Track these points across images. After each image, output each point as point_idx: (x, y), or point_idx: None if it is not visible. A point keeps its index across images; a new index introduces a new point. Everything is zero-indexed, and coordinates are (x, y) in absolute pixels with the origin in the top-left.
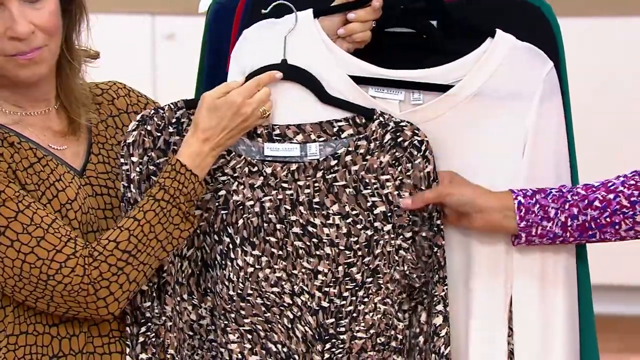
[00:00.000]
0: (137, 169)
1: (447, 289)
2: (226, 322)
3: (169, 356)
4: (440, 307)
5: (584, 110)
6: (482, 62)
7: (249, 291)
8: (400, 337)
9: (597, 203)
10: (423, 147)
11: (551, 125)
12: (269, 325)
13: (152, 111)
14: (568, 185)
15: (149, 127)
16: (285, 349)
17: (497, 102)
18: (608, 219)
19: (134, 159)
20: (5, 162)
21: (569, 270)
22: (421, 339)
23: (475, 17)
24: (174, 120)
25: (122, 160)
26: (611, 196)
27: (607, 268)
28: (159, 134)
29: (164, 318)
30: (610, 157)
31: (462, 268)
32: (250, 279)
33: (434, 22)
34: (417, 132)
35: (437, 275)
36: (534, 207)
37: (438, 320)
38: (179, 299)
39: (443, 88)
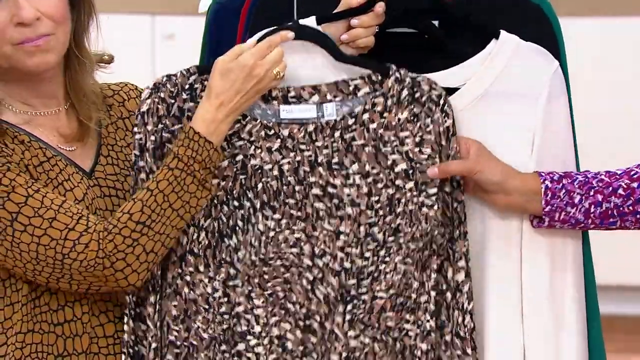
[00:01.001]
0: (152, 138)
1: (468, 244)
2: (250, 287)
3: (165, 323)
4: (462, 263)
5: (585, 109)
6: (487, 63)
7: (271, 255)
8: (423, 297)
9: (621, 191)
10: (441, 102)
11: (559, 124)
12: (288, 286)
13: (165, 78)
14: (592, 171)
15: (162, 95)
16: (304, 310)
17: (504, 103)
18: (631, 207)
19: (149, 127)
20: (17, 156)
21: (577, 251)
22: (448, 295)
23: (475, 16)
24: (187, 87)
25: (135, 129)
26: (635, 184)
27: (608, 268)
28: (172, 101)
29: (165, 285)
30: (612, 156)
31: (477, 238)
32: (271, 243)
33: (436, 23)
34: (434, 86)
35: (457, 231)
36: (560, 192)
37: (460, 277)
38: (191, 269)
39: (450, 91)
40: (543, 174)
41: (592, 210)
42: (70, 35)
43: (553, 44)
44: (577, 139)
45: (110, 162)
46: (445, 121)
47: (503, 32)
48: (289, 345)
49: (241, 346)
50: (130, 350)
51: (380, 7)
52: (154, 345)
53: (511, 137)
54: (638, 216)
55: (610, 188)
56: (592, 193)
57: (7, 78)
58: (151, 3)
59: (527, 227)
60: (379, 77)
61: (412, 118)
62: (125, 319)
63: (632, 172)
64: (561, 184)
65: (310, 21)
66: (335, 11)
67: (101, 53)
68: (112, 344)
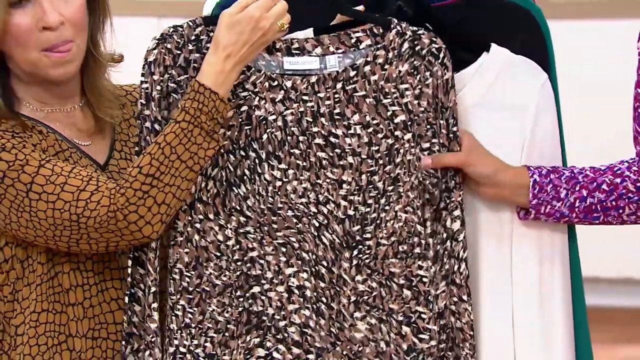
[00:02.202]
0: (158, 87)
1: (462, 194)
2: (262, 235)
3: (176, 270)
4: (457, 212)
5: (574, 112)
6: (478, 75)
7: (279, 204)
8: (423, 243)
9: (604, 186)
10: (441, 55)
11: (546, 135)
12: (301, 236)
13: (172, 29)
14: (577, 167)
15: (168, 45)
16: (314, 257)
17: (495, 113)
18: (614, 203)
19: (155, 77)
20: (34, 140)
21: (564, 244)
22: (448, 243)
23: (465, 20)
24: (193, 38)
25: (142, 78)
26: (618, 180)
27: (596, 261)
28: (178, 52)
29: (174, 234)
30: (600, 159)
31: (469, 228)
32: (279, 192)
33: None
34: (434, 39)
35: (453, 181)
36: (548, 186)
37: (456, 225)
38: (201, 216)
39: None
40: (532, 168)
41: (576, 204)
42: (88, 38)
43: (542, 47)
44: (564, 140)
45: (123, 156)
46: (445, 74)
47: (494, 45)
48: (308, 293)
49: (256, 289)
50: (128, 292)
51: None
52: (153, 289)
53: (501, 147)
54: (620, 211)
55: (595, 183)
56: (577, 188)
57: (28, 80)
58: (157, 6)
59: (517, 219)
60: (381, 30)
61: (412, 71)
62: (128, 262)
63: (616, 169)
64: (549, 179)
65: (308, 32)
66: (332, 23)
67: (112, 53)
68: (120, 331)
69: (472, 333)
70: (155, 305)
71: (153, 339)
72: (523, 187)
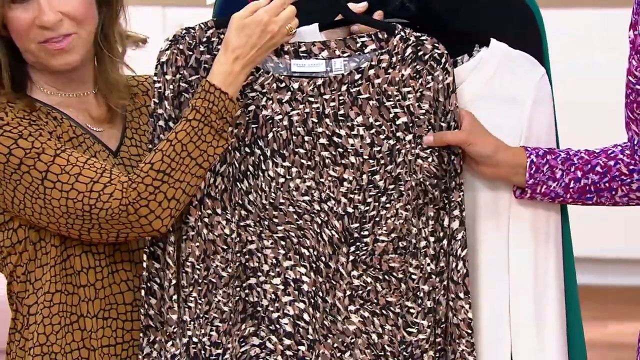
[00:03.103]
0: (170, 87)
1: (462, 194)
2: (261, 228)
3: (188, 263)
4: (457, 212)
5: (567, 101)
6: (477, 70)
7: (281, 200)
8: (422, 241)
9: (598, 168)
10: (443, 60)
11: (542, 128)
12: (302, 232)
13: (184, 31)
14: (573, 149)
15: (181, 46)
16: (315, 252)
17: (493, 107)
18: (607, 184)
19: (168, 77)
20: (50, 127)
21: (558, 224)
22: (445, 242)
23: (459, 11)
24: (204, 40)
25: (155, 78)
26: (612, 163)
27: (587, 242)
28: (190, 53)
29: (185, 228)
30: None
31: (468, 208)
32: (281, 189)
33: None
34: (437, 45)
35: (453, 182)
36: (544, 167)
37: (455, 225)
38: (209, 211)
39: None
40: (529, 149)
41: (571, 185)
42: (97, 29)
43: (536, 37)
44: (558, 130)
45: (134, 144)
46: (446, 78)
47: (493, 40)
48: (305, 287)
49: (252, 280)
50: (144, 286)
51: (378, 15)
52: (174, 282)
53: (500, 137)
54: (613, 193)
55: (589, 165)
56: (572, 169)
57: (39, 67)
58: None
59: (514, 198)
60: (385, 36)
61: (414, 75)
62: (144, 257)
63: (609, 151)
64: (545, 159)
65: (313, 28)
66: (336, 19)
67: (135, 34)
68: (129, 311)
69: (469, 331)
70: (175, 297)
71: (175, 330)
72: (520, 167)
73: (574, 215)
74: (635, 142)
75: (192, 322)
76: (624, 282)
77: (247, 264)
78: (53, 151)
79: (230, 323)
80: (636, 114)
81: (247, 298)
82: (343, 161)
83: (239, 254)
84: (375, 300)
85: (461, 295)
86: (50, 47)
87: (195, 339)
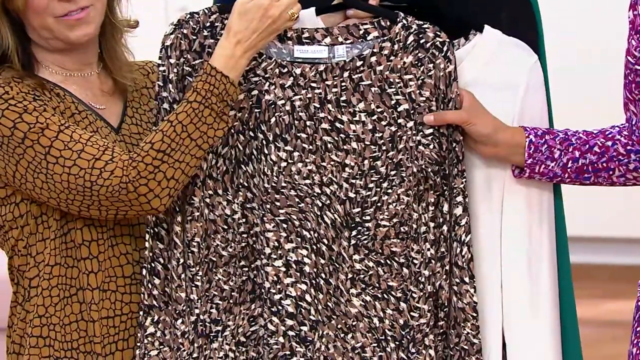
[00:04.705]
0: (175, 70)
1: (465, 181)
2: (263, 212)
3: (194, 243)
4: (460, 199)
5: (560, 81)
6: (472, 55)
7: (283, 184)
8: (423, 226)
9: (596, 149)
10: (445, 48)
11: (535, 113)
12: (303, 215)
13: (188, 16)
14: (572, 129)
15: (185, 31)
16: (315, 235)
17: (487, 92)
18: (604, 164)
19: (172, 60)
20: (53, 103)
21: (551, 204)
22: (445, 228)
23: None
24: (208, 24)
25: (159, 61)
26: (609, 143)
27: (580, 220)
28: (194, 37)
29: (190, 209)
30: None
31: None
32: (283, 172)
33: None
34: (439, 33)
35: (456, 169)
36: (543, 146)
37: (458, 211)
38: (211, 192)
39: None
40: (528, 129)
41: (569, 165)
42: (105, 6)
43: (530, 17)
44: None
45: (134, 122)
46: (448, 66)
47: (487, 27)
48: (307, 269)
49: (259, 262)
50: (147, 266)
51: (374, 0)
52: (182, 261)
53: (498, 118)
54: (610, 173)
55: (587, 145)
56: (570, 149)
57: (47, 46)
58: None
59: (509, 177)
60: (388, 23)
61: (416, 62)
62: (147, 237)
63: (607, 132)
64: (544, 139)
65: (310, 12)
66: (333, 3)
67: (127, 19)
68: (128, 284)
69: (474, 314)
70: (184, 275)
71: (184, 308)
72: (519, 147)
73: (568, 195)
74: (634, 123)
75: (199, 301)
76: (617, 261)
77: (254, 245)
78: (57, 127)
79: (231, 301)
80: (634, 95)
81: (255, 279)
82: (345, 147)
83: (246, 235)
84: (377, 285)
85: (466, 279)
86: (70, 19)
87: (202, 317)
